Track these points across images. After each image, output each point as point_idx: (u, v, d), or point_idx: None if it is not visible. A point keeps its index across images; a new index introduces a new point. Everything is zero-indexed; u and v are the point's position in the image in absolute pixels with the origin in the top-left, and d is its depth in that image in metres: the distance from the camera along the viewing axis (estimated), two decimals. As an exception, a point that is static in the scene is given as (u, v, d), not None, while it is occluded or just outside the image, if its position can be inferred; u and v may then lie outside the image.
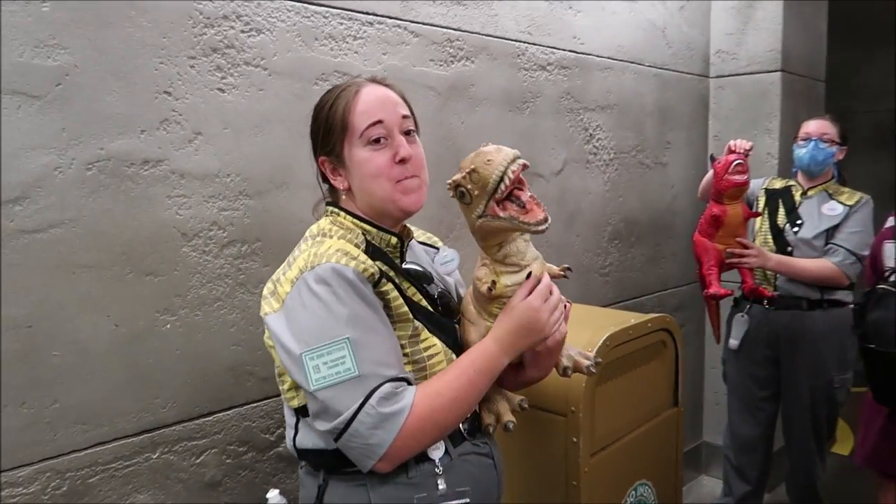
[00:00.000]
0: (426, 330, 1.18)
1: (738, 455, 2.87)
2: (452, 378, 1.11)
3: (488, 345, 1.15)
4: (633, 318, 1.91)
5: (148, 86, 1.50)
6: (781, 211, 2.72)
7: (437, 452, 1.15)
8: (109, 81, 1.45)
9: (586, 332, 1.79)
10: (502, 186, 1.06)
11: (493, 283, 1.14)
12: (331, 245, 1.13)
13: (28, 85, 1.34)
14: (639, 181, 3.04)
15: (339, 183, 1.22)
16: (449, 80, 2.17)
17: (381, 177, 1.17)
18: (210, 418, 1.65)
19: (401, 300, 1.16)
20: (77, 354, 1.43)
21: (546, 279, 1.18)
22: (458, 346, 1.24)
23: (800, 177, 2.77)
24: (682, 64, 3.23)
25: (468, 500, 1.15)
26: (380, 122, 1.16)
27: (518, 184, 1.08)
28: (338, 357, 1.03)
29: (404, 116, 1.20)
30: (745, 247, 2.52)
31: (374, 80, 1.23)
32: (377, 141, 1.15)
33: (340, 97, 1.18)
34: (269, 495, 1.41)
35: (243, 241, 1.68)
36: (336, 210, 1.24)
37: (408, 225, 1.33)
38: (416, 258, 1.33)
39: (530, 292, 1.15)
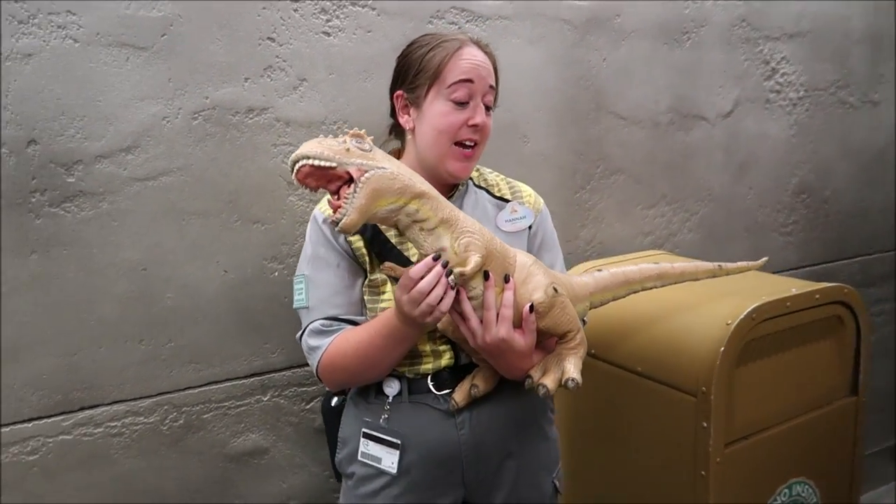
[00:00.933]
0: (394, 285, 1.16)
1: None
2: (361, 331, 1.16)
3: (390, 310, 1.12)
4: (794, 288, 1.58)
5: (251, 32, 1.49)
6: None
7: (390, 389, 1.23)
8: (213, 30, 1.46)
9: (731, 301, 1.51)
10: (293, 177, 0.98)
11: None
12: None
13: (135, 37, 1.39)
14: (838, 124, 2.53)
15: (407, 122, 1.24)
16: (588, 10, 1.93)
17: (446, 133, 1.18)
18: (318, 367, 1.66)
19: (364, 251, 1.19)
20: (188, 298, 1.50)
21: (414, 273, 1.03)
22: None
23: None
24: (908, -25, 2.60)
25: (400, 443, 1.20)
26: (470, 80, 1.16)
27: (341, 178, 0.97)
28: (299, 288, 1.22)
29: (491, 87, 1.21)
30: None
31: (477, 43, 1.23)
32: (460, 102, 1.17)
33: (442, 46, 1.19)
34: None
35: (351, 190, 1.64)
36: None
37: (475, 181, 1.34)
38: (466, 209, 1.28)
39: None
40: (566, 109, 1.94)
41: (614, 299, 1.33)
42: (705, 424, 1.45)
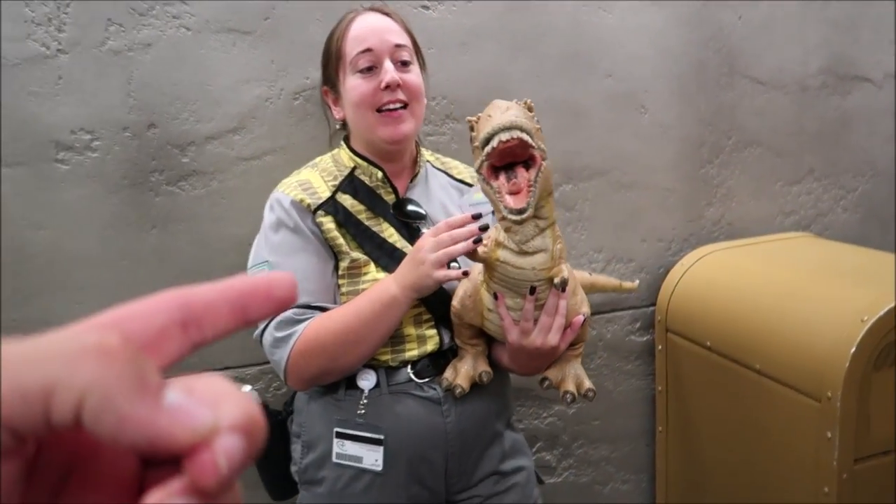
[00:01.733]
0: (376, 266, 1.15)
1: None
2: (344, 309, 1.10)
3: (386, 278, 1.10)
4: None
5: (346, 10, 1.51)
6: None
7: (365, 382, 1.15)
8: (312, 10, 1.49)
9: (868, 292, 1.31)
10: (488, 149, 0.84)
11: (489, 244, 0.97)
12: (300, 174, 1.22)
13: (241, 22, 1.46)
14: None
15: (337, 113, 1.25)
16: (720, -37, 1.74)
17: (363, 104, 1.15)
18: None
19: (336, 233, 1.14)
20: (292, 272, 1.57)
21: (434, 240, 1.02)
22: None
23: None
24: None
25: (383, 438, 1.13)
26: (369, 49, 1.14)
27: (518, 157, 0.86)
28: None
29: (397, 45, 1.16)
30: None
31: (372, 9, 1.22)
32: (368, 70, 1.14)
33: (338, 26, 1.20)
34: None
35: (449, 167, 1.63)
36: (342, 143, 1.26)
37: (429, 158, 1.30)
38: (429, 193, 1.25)
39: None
40: (692, 75, 1.77)
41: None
42: (829, 435, 1.28)
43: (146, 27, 1.41)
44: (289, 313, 1.11)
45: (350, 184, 1.20)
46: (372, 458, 1.14)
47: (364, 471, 1.14)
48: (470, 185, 1.27)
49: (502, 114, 0.84)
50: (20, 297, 1.43)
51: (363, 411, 1.14)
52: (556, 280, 0.94)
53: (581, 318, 1.07)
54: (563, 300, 1.01)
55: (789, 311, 1.42)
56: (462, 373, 1.15)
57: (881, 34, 1.91)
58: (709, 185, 1.84)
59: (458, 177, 1.30)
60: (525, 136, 0.83)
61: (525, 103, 0.89)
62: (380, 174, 1.21)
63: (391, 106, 1.14)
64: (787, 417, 1.38)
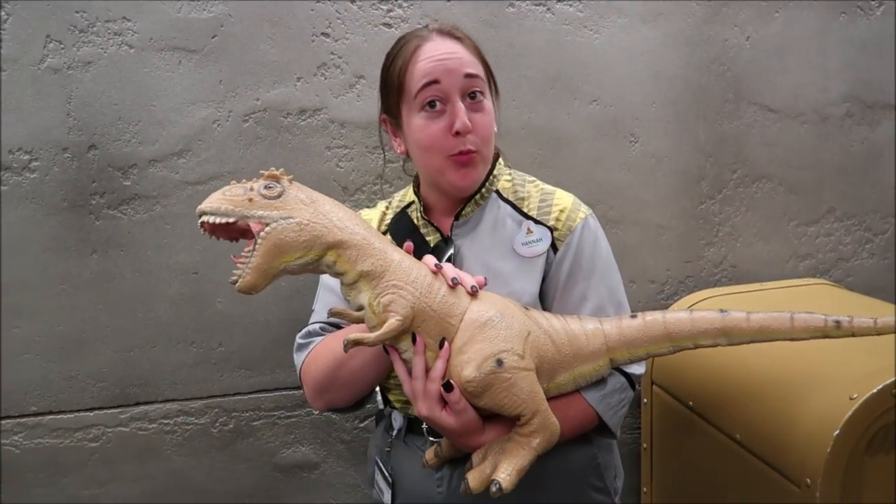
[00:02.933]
0: None
1: None
2: (334, 339, 1.06)
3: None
4: None
5: (304, 28, 1.42)
6: None
7: (395, 423, 1.12)
8: (264, 28, 1.41)
9: (867, 364, 1.13)
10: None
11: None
12: (375, 207, 1.21)
13: (186, 40, 1.39)
14: None
15: (398, 146, 1.10)
16: (726, -22, 1.57)
17: (432, 149, 1.01)
18: (373, 384, 1.57)
19: None
20: (239, 303, 1.49)
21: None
22: None
23: None
24: None
25: (392, 482, 1.10)
26: (435, 82, 0.99)
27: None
28: (317, 293, 1.16)
29: (468, 76, 1.00)
30: None
31: (440, 32, 1.04)
32: (432, 105, 0.99)
33: (400, 52, 1.04)
34: None
35: (412, 197, 1.52)
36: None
37: (504, 185, 1.12)
38: (475, 235, 1.08)
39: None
40: (691, 101, 1.61)
41: (649, 356, 1.02)
42: (809, 528, 1.10)
43: (86, 45, 1.36)
44: (316, 326, 1.11)
45: (397, 222, 1.13)
46: (387, 496, 1.11)
47: None
48: (531, 219, 1.08)
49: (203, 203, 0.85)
50: (-46, 319, 1.40)
51: (388, 450, 1.13)
52: (350, 338, 0.84)
53: (443, 385, 0.86)
54: (439, 361, 0.86)
55: (778, 377, 1.25)
56: (435, 444, 1.01)
57: (919, 58, 1.69)
58: (709, 223, 1.67)
59: (529, 213, 1.09)
60: (211, 219, 0.83)
61: (267, 174, 0.86)
62: (419, 212, 1.11)
63: (463, 153, 1.00)
64: (766, 499, 1.21)
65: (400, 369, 0.90)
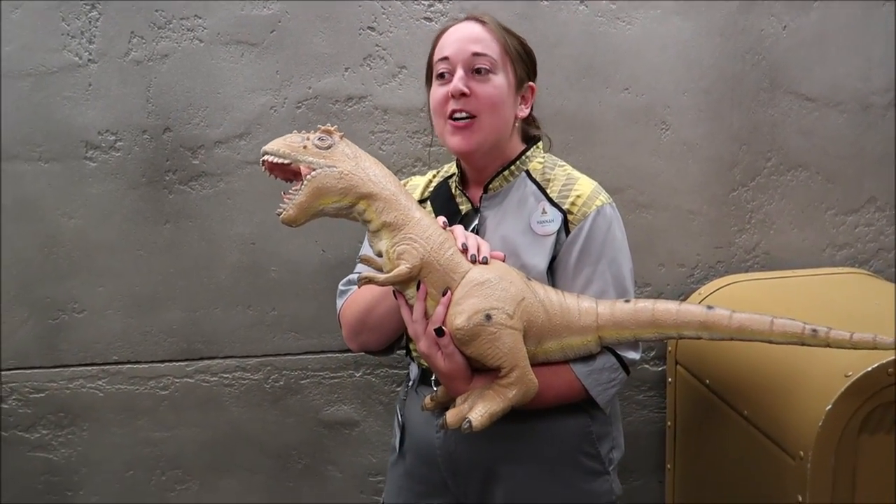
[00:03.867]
0: None
1: None
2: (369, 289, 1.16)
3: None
4: None
5: (351, 23, 1.56)
6: None
7: (412, 373, 1.26)
8: (316, 23, 1.56)
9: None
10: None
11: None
12: (427, 175, 1.32)
13: (248, 34, 1.56)
14: None
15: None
16: (762, -32, 1.59)
17: (436, 112, 1.15)
18: (409, 352, 1.70)
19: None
20: (290, 272, 1.65)
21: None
22: None
23: None
24: None
25: (402, 425, 1.23)
26: (445, 58, 1.12)
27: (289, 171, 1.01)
28: (362, 246, 1.25)
29: (475, 54, 1.11)
30: None
31: (470, 17, 1.16)
32: (441, 76, 1.13)
33: (436, 36, 1.19)
34: None
35: (448, 179, 1.63)
36: None
37: (535, 166, 1.19)
38: (502, 210, 1.17)
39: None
40: (724, 90, 1.64)
41: (636, 339, 1.08)
42: (800, 499, 1.15)
43: (164, 39, 1.55)
44: (355, 275, 1.23)
45: (438, 189, 1.25)
46: (397, 439, 1.25)
47: (395, 448, 1.26)
48: (549, 200, 1.15)
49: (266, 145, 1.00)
50: (52, 278, 1.62)
51: (405, 398, 1.26)
52: (362, 276, 0.99)
53: (435, 328, 0.98)
54: (440, 307, 0.99)
55: (783, 356, 1.28)
56: (458, 406, 1.04)
57: (972, 45, 1.65)
58: (741, 210, 1.69)
59: (549, 194, 1.15)
60: (271, 158, 0.97)
61: (323, 129, 1.00)
62: (452, 170, 1.24)
63: (457, 115, 1.10)
64: (767, 473, 1.25)
65: (405, 312, 1.03)
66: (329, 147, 0.99)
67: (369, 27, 1.56)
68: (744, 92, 1.64)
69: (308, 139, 0.99)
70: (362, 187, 0.98)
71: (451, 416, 1.00)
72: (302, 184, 0.97)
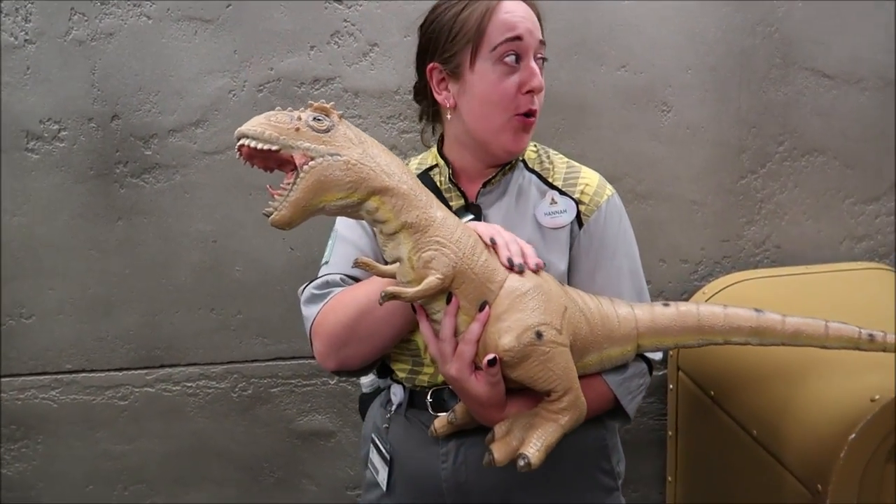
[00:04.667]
0: None
1: None
2: (362, 287, 0.98)
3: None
4: None
5: (315, -4, 1.40)
6: None
7: (395, 397, 1.08)
8: (277, -4, 1.40)
9: (889, 359, 1.01)
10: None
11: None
12: None
13: (202, 9, 1.40)
14: None
15: (447, 98, 1.02)
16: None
17: (500, 104, 0.97)
18: (388, 357, 1.56)
19: None
20: (257, 272, 1.51)
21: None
22: None
23: None
24: None
25: (390, 458, 1.07)
26: (519, 38, 0.96)
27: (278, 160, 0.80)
28: (329, 245, 1.09)
29: (541, 41, 0.99)
30: None
31: None
32: (515, 60, 0.97)
33: (476, 3, 0.98)
34: None
35: (427, 168, 1.48)
36: (434, 143, 1.12)
37: (530, 155, 1.09)
38: (502, 203, 1.05)
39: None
40: (732, 67, 1.48)
41: (677, 347, 0.96)
42: (819, 535, 1.01)
43: (108, 16, 1.39)
44: (336, 277, 1.04)
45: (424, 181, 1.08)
46: (383, 474, 1.08)
47: (377, 484, 1.09)
48: (557, 189, 1.06)
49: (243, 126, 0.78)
50: (-5, 280, 1.49)
51: (387, 426, 1.09)
52: (387, 290, 0.80)
53: (487, 358, 0.82)
54: (475, 324, 0.83)
55: (801, 372, 1.14)
56: (445, 414, 0.96)
57: None
58: (751, 200, 1.54)
59: (554, 182, 1.07)
60: (251, 143, 0.76)
61: (316, 106, 0.80)
62: (447, 175, 1.07)
63: (529, 114, 0.99)
64: (780, 500, 1.11)
65: (427, 329, 0.87)
66: (328, 130, 0.80)
67: (336, 0, 1.40)
68: (753, 69, 1.48)
69: (300, 119, 0.79)
70: (375, 180, 0.80)
71: (499, 451, 0.85)
72: (297, 176, 0.77)
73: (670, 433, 1.55)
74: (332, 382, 1.57)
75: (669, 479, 1.58)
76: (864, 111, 1.51)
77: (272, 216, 0.78)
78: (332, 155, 0.78)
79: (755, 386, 1.22)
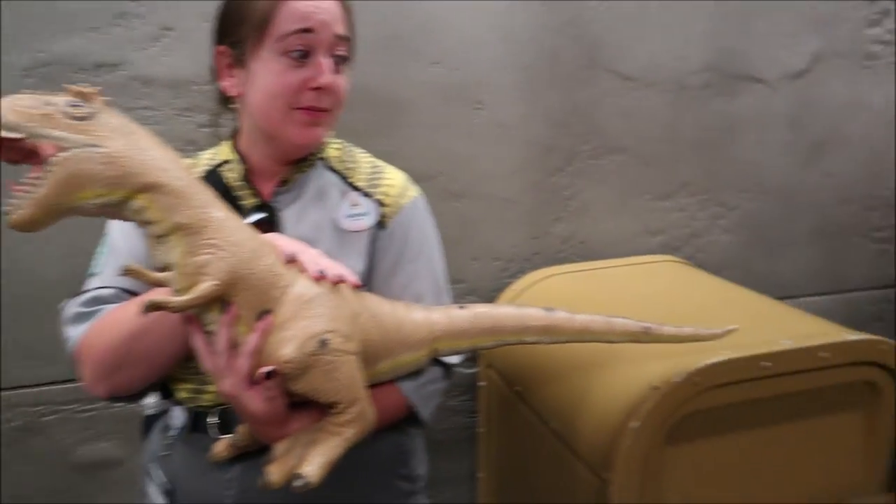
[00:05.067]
0: None
1: None
2: (129, 307, 1.09)
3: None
4: (790, 340, 1.47)
5: (99, -30, 1.54)
6: None
7: (175, 420, 1.19)
8: (48, -33, 1.52)
9: (677, 352, 1.44)
10: None
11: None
12: None
13: (-49, -22, 1.47)
14: None
15: (232, 86, 1.19)
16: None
17: (281, 97, 1.13)
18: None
19: None
20: (22, 285, 1.64)
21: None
22: None
23: None
24: None
25: (171, 489, 1.18)
26: (308, 30, 1.11)
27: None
28: (99, 252, 1.20)
29: (339, 37, 1.15)
30: None
31: None
32: (301, 56, 1.12)
33: None
34: None
35: (229, 166, 1.69)
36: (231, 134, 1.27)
37: (332, 153, 1.28)
38: (299, 204, 1.22)
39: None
40: (543, 67, 1.87)
41: (473, 349, 1.24)
42: (607, 518, 1.44)
43: None
44: (109, 292, 1.13)
45: (206, 181, 1.12)
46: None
47: None
48: (359, 191, 1.24)
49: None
50: None
51: (167, 453, 1.20)
52: (151, 300, 0.88)
53: (265, 370, 0.92)
54: (252, 335, 0.93)
55: (596, 364, 1.54)
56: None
57: (781, 27, 2.03)
58: (558, 197, 1.96)
59: (356, 183, 1.25)
60: None
61: (74, 89, 0.87)
62: (240, 173, 1.21)
63: (315, 110, 1.14)
64: (575, 490, 1.53)
65: (200, 342, 0.96)
66: (87, 117, 0.85)
67: (121, -24, 1.56)
68: (562, 69, 1.88)
69: (52, 104, 0.84)
70: (143, 176, 0.86)
71: (275, 472, 0.96)
72: (44, 170, 0.82)
73: (482, 430, 1.96)
74: (119, 404, 1.75)
75: (481, 475, 1.99)
76: (660, 113, 1.99)
77: (12, 216, 0.82)
78: (90, 146, 0.84)
79: (555, 380, 1.61)
